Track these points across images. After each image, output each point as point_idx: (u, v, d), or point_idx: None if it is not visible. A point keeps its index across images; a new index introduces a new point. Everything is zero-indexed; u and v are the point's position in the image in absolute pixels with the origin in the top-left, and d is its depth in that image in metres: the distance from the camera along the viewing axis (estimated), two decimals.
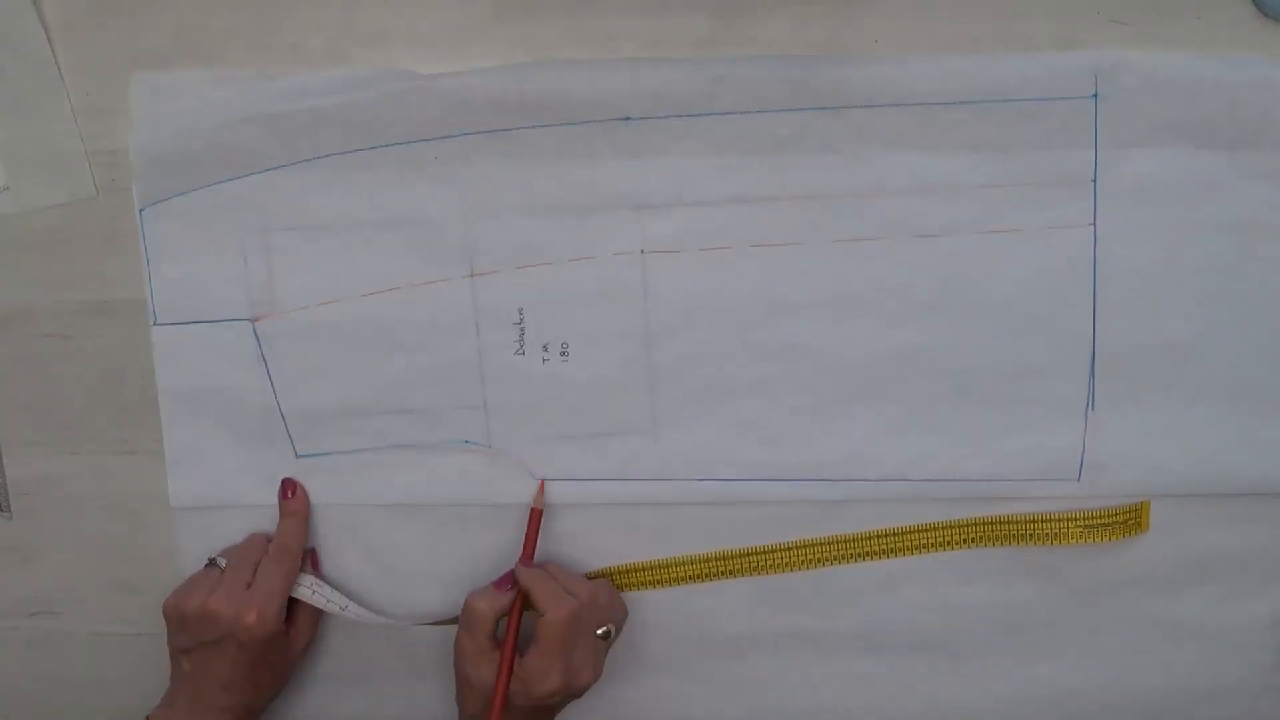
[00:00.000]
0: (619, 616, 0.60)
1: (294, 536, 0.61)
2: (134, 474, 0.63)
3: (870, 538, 0.62)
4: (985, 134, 0.57)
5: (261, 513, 0.62)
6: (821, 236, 0.59)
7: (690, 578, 0.63)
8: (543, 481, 0.61)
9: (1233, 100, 0.56)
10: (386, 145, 0.58)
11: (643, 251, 0.59)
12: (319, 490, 0.62)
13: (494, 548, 0.62)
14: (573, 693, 0.57)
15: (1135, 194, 0.57)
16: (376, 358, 0.60)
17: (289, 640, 0.61)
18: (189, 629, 0.58)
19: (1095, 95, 0.56)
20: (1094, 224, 0.58)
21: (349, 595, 0.62)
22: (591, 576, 0.62)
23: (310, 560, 0.62)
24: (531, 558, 0.60)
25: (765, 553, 0.62)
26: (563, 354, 0.60)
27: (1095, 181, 0.57)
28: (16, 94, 0.59)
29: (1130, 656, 0.63)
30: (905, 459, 0.61)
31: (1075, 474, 0.60)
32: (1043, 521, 0.61)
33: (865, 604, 0.63)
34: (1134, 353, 0.59)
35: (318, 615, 0.63)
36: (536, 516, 0.61)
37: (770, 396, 0.60)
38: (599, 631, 0.58)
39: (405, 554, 0.63)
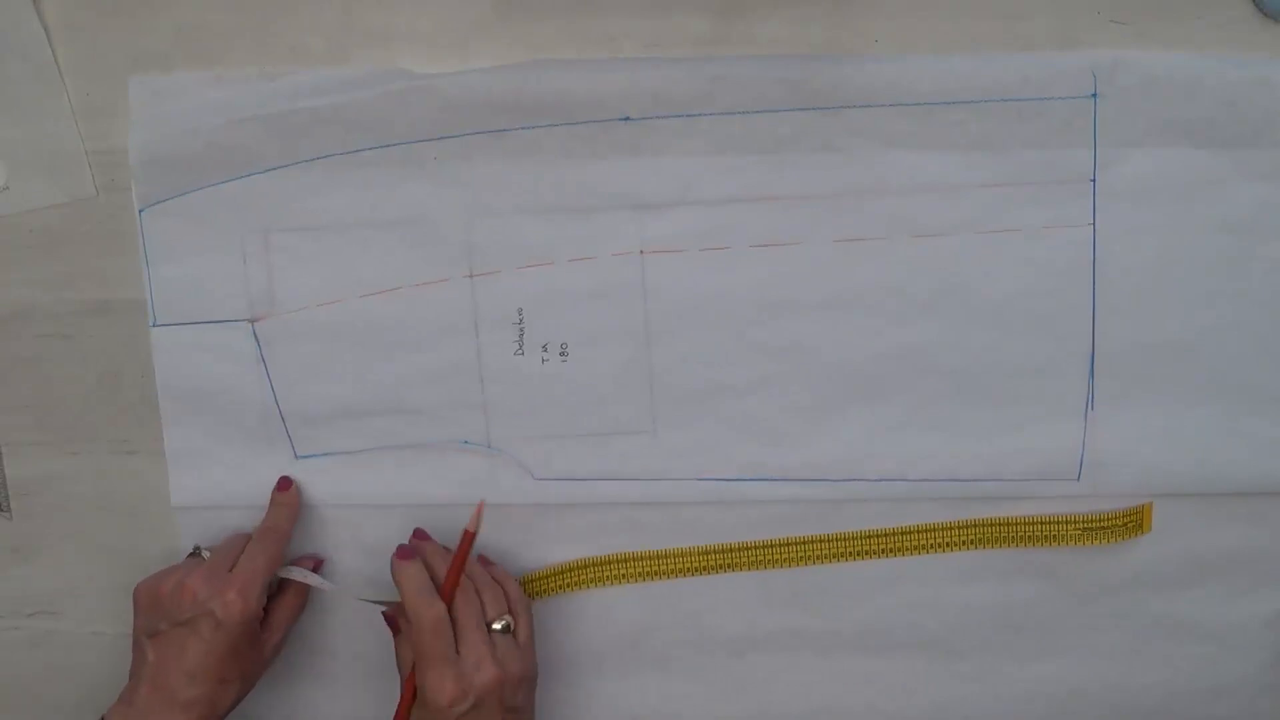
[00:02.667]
0: (517, 606, 0.58)
1: (281, 521, 0.60)
2: (134, 474, 0.63)
3: (870, 536, 0.62)
4: (985, 133, 0.57)
5: (261, 513, 0.62)
6: (821, 236, 0.59)
7: (686, 570, 0.62)
8: (481, 503, 0.59)
9: (1232, 100, 0.56)
10: (386, 145, 0.58)
11: (642, 251, 0.59)
12: (319, 490, 0.62)
13: (494, 548, 0.62)
14: (488, 691, 0.54)
15: (1135, 193, 0.58)
16: (376, 358, 0.60)
17: (261, 637, 0.59)
18: (161, 607, 0.57)
19: (1095, 95, 0.56)
20: (1093, 223, 0.58)
21: (348, 598, 0.62)
22: (586, 563, 0.62)
23: (314, 564, 0.62)
24: (455, 582, 0.57)
25: (763, 547, 0.62)
26: (562, 354, 0.60)
27: (1094, 181, 0.57)
28: (16, 94, 0.59)
29: (1130, 656, 0.63)
30: (905, 458, 0.61)
31: (1075, 473, 0.60)
32: (1042, 523, 0.61)
33: (865, 604, 0.63)
34: (1133, 352, 0.59)
35: (291, 619, 0.61)
36: (468, 539, 0.58)
37: (770, 396, 0.60)
38: (497, 626, 0.56)
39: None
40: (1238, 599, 0.63)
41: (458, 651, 0.55)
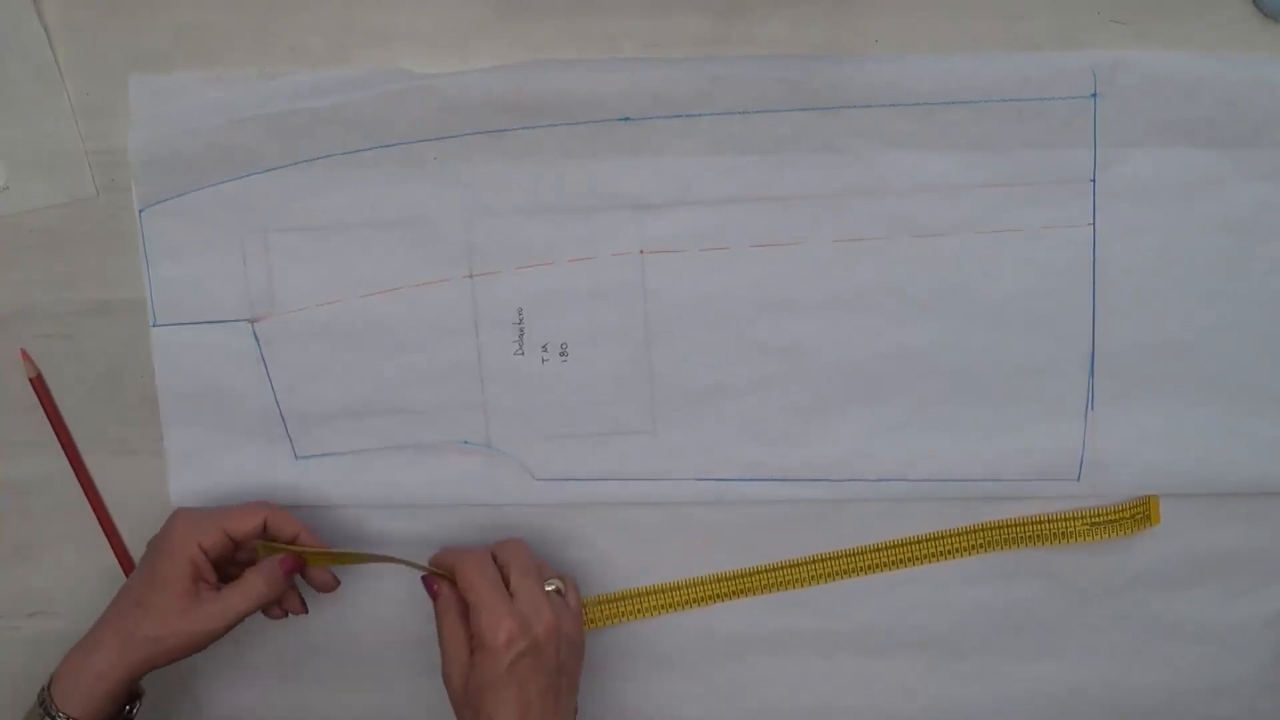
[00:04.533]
0: (565, 580, 0.58)
1: (284, 520, 0.58)
2: (134, 474, 0.63)
3: (880, 549, 0.62)
4: (984, 133, 0.57)
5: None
6: (820, 236, 0.59)
7: (701, 600, 0.63)
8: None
9: (1232, 100, 0.56)
10: (386, 145, 0.58)
11: (642, 251, 0.59)
12: (319, 490, 0.62)
13: None
14: (547, 634, 0.53)
15: (1134, 193, 0.58)
16: (376, 358, 0.60)
17: (202, 601, 0.55)
18: None
19: (1095, 95, 0.56)
20: (1093, 223, 0.58)
21: (344, 597, 0.62)
22: (606, 599, 0.63)
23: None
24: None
25: (777, 569, 0.62)
26: (562, 354, 0.60)
27: (1094, 181, 0.57)
28: (16, 94, 0.59)
29: (1130, 656, 0.63)
30: (904, 458, 0.61)
31: (1075, 474, 0.60)
32: (1050, 521, 0.61)
33: (865, 604, 0.63)
34: (1133, 352, 0.59)
35: (244, 604, 0.56)
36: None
37: (769, 396, 0.60)
38: (548, 587, 0.56)
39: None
40: (1238, 599, 0.63)
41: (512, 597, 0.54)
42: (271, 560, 0.58)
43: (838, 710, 0.65)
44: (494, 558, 0.57)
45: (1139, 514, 0.61)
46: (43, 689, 0.55)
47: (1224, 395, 0.60)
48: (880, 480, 0.61)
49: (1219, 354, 0.59)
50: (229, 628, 0.56)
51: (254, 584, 0.57)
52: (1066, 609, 0.63)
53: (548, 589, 0.56)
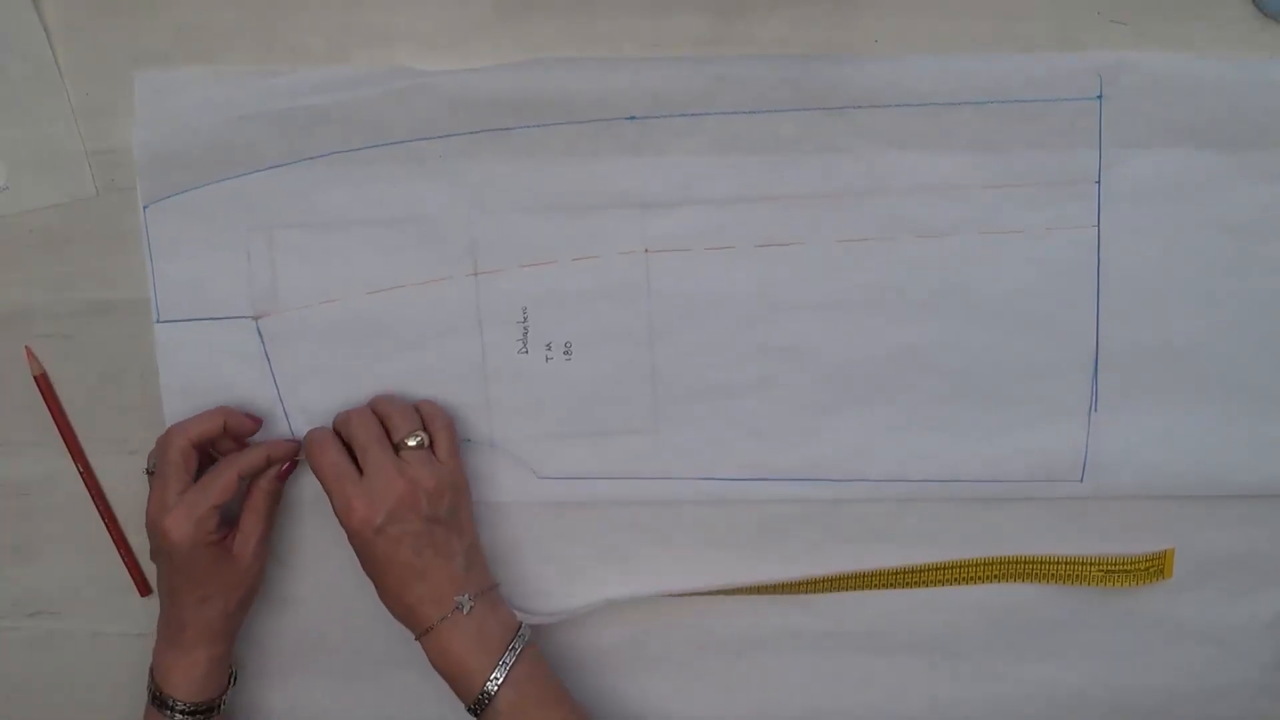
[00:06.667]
0: (434, 424, 0.58)
1: (254, 457, 0.58)
2: (134, 474, 0.63)
3: (895, 574, 0.62)
4: (988, 134, 0.57)
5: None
6: (824, 236, 0.59)
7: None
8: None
9: (1235, 101, 0.56)
10: (390, 143, 0.58)
11: (646, 251, 0.59)
12: (321, 488, 0.62)
13: (495, 545, 0.62)
14: (399, 503, 0.55)
15: (1138, 194, 0.58)
16: (379, 356, 0.60)
17: (230, 551, 0.58)
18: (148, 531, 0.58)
19: (1099, 96, 0.57)
20: (1097, 224, 0.58)
21: (348, 592, 0.62)
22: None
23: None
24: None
25: (802, 583, 0.62)
26: (565, 353, 0.60)
27: (1099, 182, 0.58)
28: (16, 94, 0.59)
29: (1130, 656, 0.64)
30: (906, 458, 0.61)
31: (1078, 474, 0.60)
32: (1066, 563, 0.61)
33: (866, 604, 0.63)
34: (1137, 353, 0.59)
35: (261, 523, 0.59)
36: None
37: (772, 396, 0.60)
38: (411, 442, 0.56)
39: None
40: (1238, 600, 0.63)
41: (362, 473, 0.56)
42: (268, 475, 0.59)
43: (837, 710, 0.65)
44: (349, 424, 0.57)
45: (1154, 566, 0.61)
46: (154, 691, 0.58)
47: (1227, 396, 0.60)
48: (882, 480, 0.61)
49: (1222, 355, 0.59)
50: (266, 544, 0.60)
51: (258, 503, 0.59)
52: (1067, 610, 0.63)
53: (410, 444, 0.56)
